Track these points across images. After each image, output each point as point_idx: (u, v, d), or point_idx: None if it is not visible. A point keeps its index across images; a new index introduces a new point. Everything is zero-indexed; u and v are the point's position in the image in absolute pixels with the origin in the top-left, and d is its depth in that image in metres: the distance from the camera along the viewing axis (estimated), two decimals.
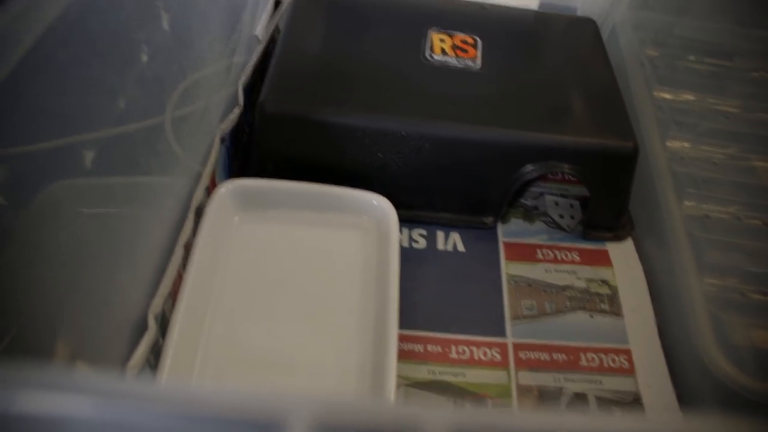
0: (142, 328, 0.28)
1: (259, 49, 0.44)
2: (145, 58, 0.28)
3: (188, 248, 0.34)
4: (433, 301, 0.38)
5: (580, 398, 0.35)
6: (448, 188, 0.41)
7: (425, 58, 0.43)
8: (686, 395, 0.36)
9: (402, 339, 0.36)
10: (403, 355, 0.35)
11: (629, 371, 0.36)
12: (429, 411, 0.10)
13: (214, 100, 0.38)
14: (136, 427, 0.09)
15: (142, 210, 0.30)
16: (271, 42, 0.46)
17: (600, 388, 0.35)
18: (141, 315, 0.29)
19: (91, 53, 0.24)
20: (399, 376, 0.33)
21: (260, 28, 0.45)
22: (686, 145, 0.45)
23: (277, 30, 0.47)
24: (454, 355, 0.36)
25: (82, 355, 0.23)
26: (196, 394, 0.09)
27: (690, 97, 0.49)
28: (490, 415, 0.11)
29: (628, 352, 0.37)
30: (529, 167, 0.39)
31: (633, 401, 0.35)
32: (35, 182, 0.21)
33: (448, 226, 0.42)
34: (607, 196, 0.41)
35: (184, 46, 0.33)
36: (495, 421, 0.11)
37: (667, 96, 0.48)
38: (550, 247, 0.42)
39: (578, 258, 0.42)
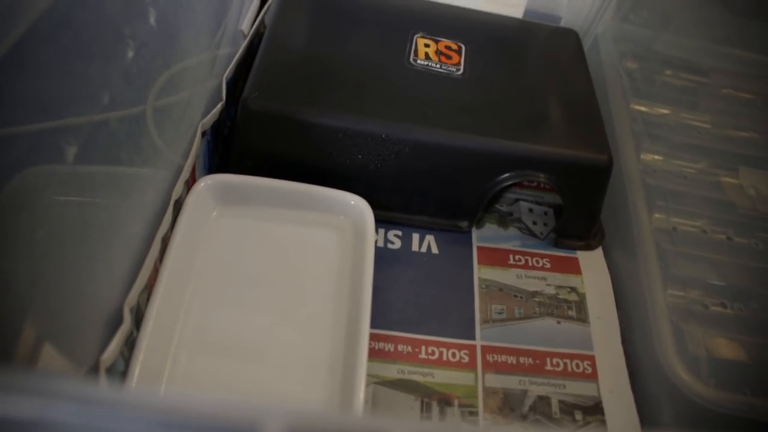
0: (117, 320, 0.28)
1: (243, 44, 0.44)
2: (130, 50, 0.28)
3: (166, 241, 0.34)
4: (405, 302, 0.39)
5: (543, 401, 0.36)
6: (426, 192, 0.41)
7: (409, 62, 0.43)
8: (645, 401, 0.37)
9: (373, 338, 0.36)
10: (374, 354, 0.36)
11: (592, 376, 0.37)
12: (399, 425, 0.11)
13: (197, 94, 0.38)
14: None
15: (121, 201, 0.30)
16: (257, 37, 0.46)
17: (563, 392, 0.36)
18: (116, 307, 0.29)
19: (75, 42, 0.24)
20: (369, 374, 0.34)
21: (246, 22, 0.45)
22: (659, 158, 0.47)
23: (263, 25, 0.47)
24: (423, 356, 0.37)
25: (55, 346, 0.23)
26: (171, 400, 0.10)
27: (665, 111, 0.50)
28: (455, 428, 0.11)
29: (591, 358, 0.38)
30: (505, 175, 0.40)
31: (594, 405, 0.36)
32: (9, 167, 0.21)
33: (423, 229, 0.43)
34: (580, 206, 0.42)
35: (168, 36, 0.33)
36: None
37: (644, 109, 0.50)
38: (522, 253, 0.43)
39: (549, 265, 0.43)
